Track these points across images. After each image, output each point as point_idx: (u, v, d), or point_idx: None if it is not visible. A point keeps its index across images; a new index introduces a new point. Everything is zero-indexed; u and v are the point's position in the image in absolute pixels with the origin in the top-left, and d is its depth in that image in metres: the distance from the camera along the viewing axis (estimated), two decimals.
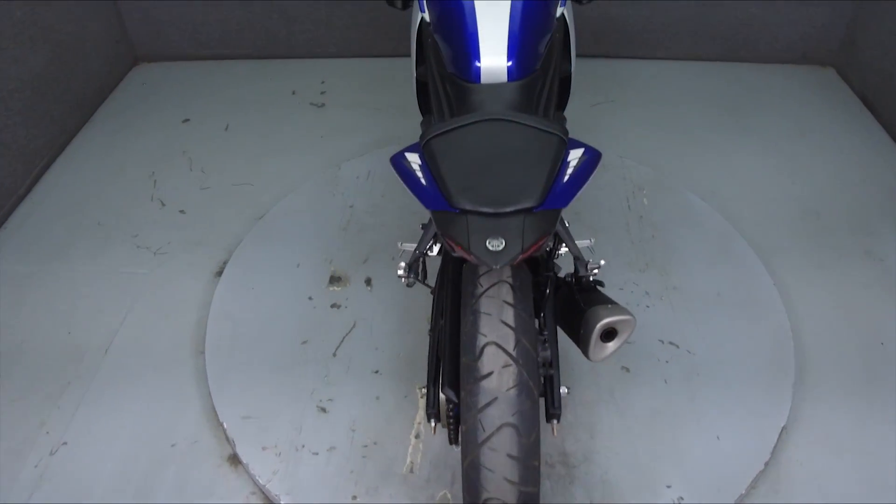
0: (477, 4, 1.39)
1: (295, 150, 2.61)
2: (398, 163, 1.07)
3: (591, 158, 1.03)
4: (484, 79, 1.38)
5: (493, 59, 1.37)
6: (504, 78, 1.38)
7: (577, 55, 3.02)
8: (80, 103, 2.76)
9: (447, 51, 1.43)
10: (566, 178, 0.97)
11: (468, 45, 1.38)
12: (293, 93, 2.98)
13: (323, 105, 2.89)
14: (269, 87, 3.03)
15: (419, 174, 1.01)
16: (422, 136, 1.10)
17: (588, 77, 3.01)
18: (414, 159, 1.04)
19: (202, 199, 2.39)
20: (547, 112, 1.50)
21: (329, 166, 2.50)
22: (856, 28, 2.91)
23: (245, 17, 3.09)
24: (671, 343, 1.80)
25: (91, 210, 2.34)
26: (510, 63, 1.37)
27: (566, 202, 0.95)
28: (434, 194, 0.95)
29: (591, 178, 1.02)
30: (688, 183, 2.39)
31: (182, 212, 2.34)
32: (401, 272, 1.25)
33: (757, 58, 3.12)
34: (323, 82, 3.05)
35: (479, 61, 1.37)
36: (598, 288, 1.32)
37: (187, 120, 2.81)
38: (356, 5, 3.03)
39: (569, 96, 1.80)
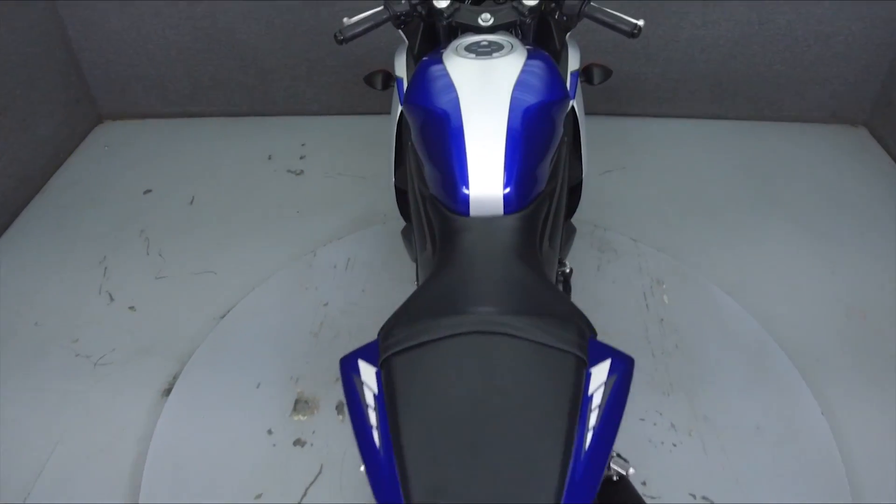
0: (465, 114, 1.10)
1: (267, 229, 2.31)
2: (347, 375, 0.76)
3: (622, 380, 0.72)
4: (474, 211, 1.08)
5: (486, 187, 1.07)
6: (500, 210, 1.08)
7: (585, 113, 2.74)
8: (27, 176, 2.47)
9: (430, 170, 1.14)
10: (589, 434, 0.65)
11: (454, 169, 1.08)
12: (269, 157, 2.69)
13: (301, 172, 2.60)
14: (244, 150, 2.74)
15: (371, 414, 0.70)
16: (382, 335, 0.79)
17: (597, 139, 2.72)
18: (369, 377, 0.74)
19: (157, 291, 2.09)
20: (553, 237, 1.20)
21: (304, 252, 2.20)
22: (892, 85, 2.62)
23: (218, 73, 2.81)
24: (704, 498, 1.48)
25: (29, 307, 2.04)
26: (507, 191, 1.07)
27: (594, 489, 0.63)
28: (387, 477, 0.64)
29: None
30: (713, 273, 2.09)
31: (132, 308, 2.03)
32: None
33: (782, 117, 2.82)
34: (303, 145, 2.76)
35: (468, 189, 1.07)
36: (627, 478, 1.00)
37: (149, 191, 2.52)
38: (339, 60, 2.75)
39: (579, 201, 1.50)
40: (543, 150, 1.12)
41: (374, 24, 1.36)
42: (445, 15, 1.36)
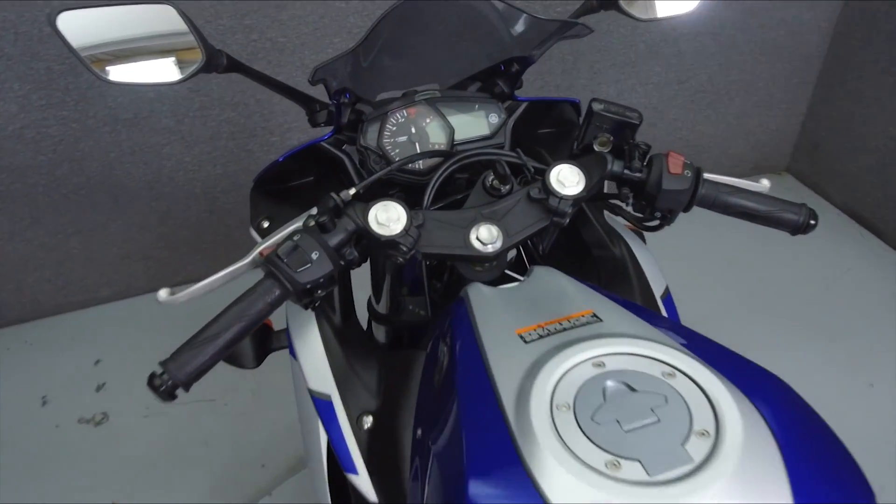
0: None
1: None
2: None
3: None
4: None
5: None
6: None
7: None
8: None
9: None
10: None
11: None
12: (44, 401, 1.67)
13: (103, 419, 1.62)
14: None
15: None
16: None
17: None
18: None
19: None
20: None
21: None
22: (813, 127, 2.30)
23: None
24: None
25: None
26: None
27: None
28: None
29: None
30: None
31: None
32: None
33: None
34: (98, 362, 1.77)
35: None
36: None
37: None
38: (136, 219, 1.82)
39: None
40: None
41: (245, 328, 0.56)
42: (405, 247, 0.60)
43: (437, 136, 0.76)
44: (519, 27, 0.74)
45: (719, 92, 2.13)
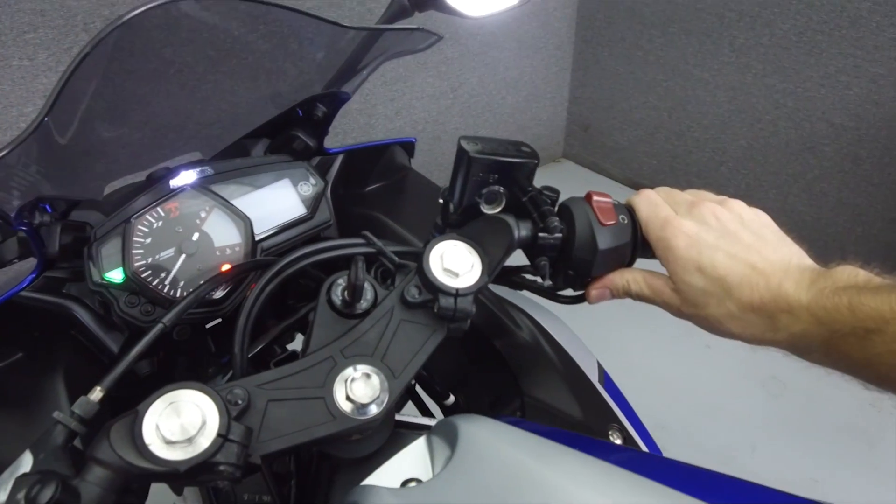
0: None
1: None
2: None
3: None
4: None
5: None
6: None
7: None
8: None
9: None
10: None
11: None
12: None
13: None
14: None
15: None
16: None
17: None
18: None
19: None
20: None
21: None
22: (577, 111, 2.36)
23: None
24: None
25: None
26: None
27: None
28: None
29: None
30: None
31: None
32: None
33: None
34: None
35: None
36: None
37: None
38: None
39: None
40: None
41: None
42: (230, 467, 0.32)
43: (226, 236, 0.47)
44: (321, 48, 0.48)
45: (491, 93, 2.07)
